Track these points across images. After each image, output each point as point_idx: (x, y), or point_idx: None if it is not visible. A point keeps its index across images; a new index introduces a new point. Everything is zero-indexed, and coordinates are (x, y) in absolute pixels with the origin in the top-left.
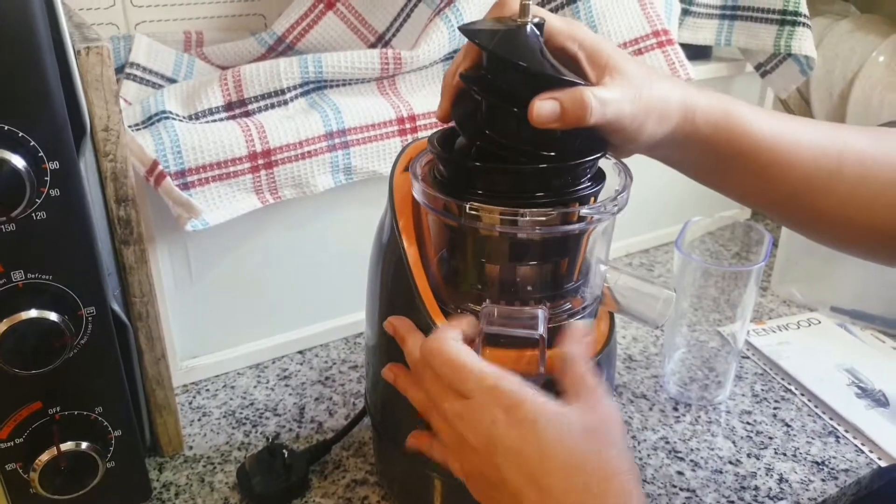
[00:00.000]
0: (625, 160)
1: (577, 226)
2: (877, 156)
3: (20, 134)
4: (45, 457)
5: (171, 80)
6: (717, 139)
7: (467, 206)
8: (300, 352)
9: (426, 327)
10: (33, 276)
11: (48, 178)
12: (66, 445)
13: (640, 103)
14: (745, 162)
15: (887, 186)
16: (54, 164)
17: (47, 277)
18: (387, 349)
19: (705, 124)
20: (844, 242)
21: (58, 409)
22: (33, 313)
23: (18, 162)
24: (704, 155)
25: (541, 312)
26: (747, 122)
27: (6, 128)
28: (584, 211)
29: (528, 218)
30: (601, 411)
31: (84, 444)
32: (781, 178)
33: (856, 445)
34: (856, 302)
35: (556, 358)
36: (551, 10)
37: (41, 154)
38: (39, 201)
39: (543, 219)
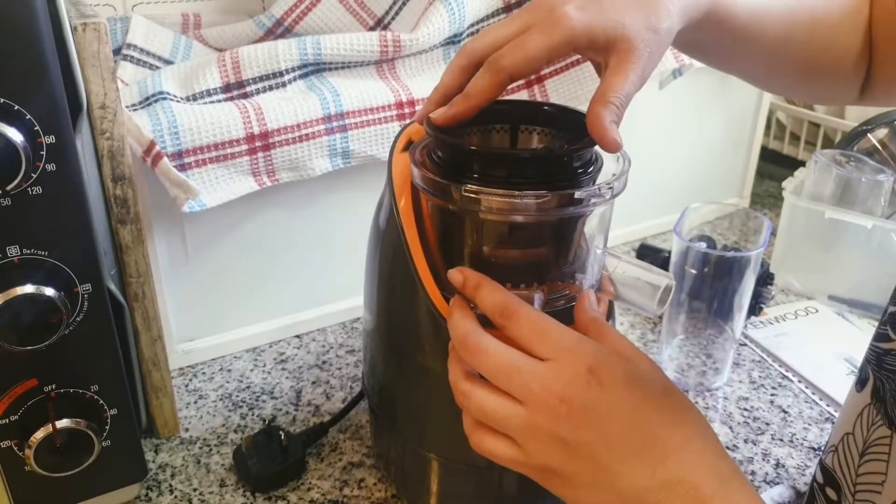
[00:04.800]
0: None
1: (573, 209)
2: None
3: (15, 107)
4: (40, 434)
5: (169, 62)
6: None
7: (463, 189)
8: (297, 336)
9: (426, 312)
10: (29, 251)
11: (44, 153)
12: (62, 423)
13: (651, 61)
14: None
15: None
16: (50, 139)
17: (43, 253)
18: (385, 333)
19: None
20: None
21: (53, 386)
22: (29, 289)
23: (14, 135)
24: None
25: (536, 297)
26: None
27: (1, 101)
28: (579, 194)
29: (523, 200)
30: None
31: (80, 422)
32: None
33: None
34: (853, 291)
35: (589, 322)
36: None
37: (37, 128)
38: (35, 175)
39: (539, 201)
